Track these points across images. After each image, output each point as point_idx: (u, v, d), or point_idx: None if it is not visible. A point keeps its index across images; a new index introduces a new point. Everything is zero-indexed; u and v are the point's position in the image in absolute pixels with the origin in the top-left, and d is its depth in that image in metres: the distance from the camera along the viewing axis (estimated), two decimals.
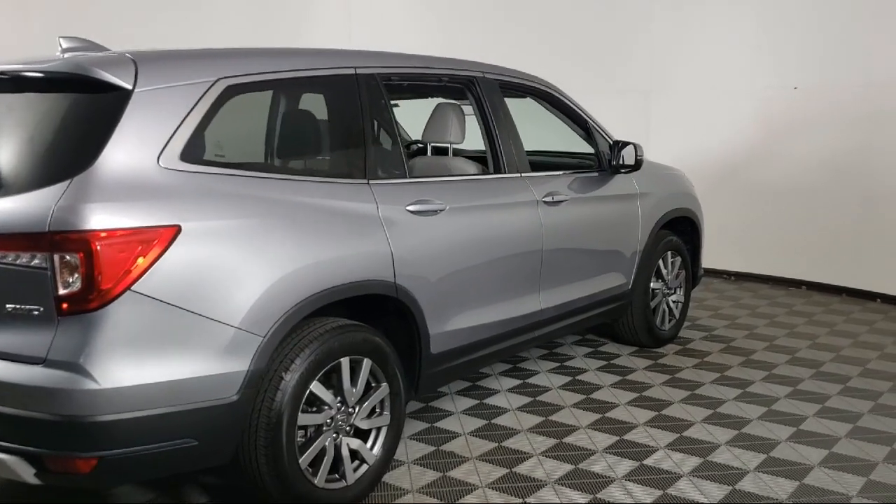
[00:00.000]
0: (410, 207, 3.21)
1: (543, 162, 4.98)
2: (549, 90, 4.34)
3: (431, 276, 3.27)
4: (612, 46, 7.50)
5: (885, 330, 5.57)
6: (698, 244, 5.40)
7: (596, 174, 4.51)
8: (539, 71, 4.47)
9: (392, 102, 3.52)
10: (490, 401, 4.06)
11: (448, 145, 4.10)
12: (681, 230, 5.34)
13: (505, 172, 3.83)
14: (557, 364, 4.73)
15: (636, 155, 4.41)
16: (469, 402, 4.04)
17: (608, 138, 4.58)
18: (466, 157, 4.25)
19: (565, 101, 4.42)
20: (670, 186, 5.09)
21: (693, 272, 5.44)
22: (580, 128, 4.55)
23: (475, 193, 3.60)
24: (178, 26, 7.95)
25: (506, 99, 4.02)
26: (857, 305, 6.26)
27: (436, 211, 3.31)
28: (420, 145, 4.48)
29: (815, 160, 6.60)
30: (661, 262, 4.98)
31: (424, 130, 4.04)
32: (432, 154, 4.28)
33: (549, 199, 3.95)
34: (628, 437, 3.65)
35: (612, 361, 4.81)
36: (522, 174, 3.90)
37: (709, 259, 7.25)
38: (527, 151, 5.27)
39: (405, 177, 3.32)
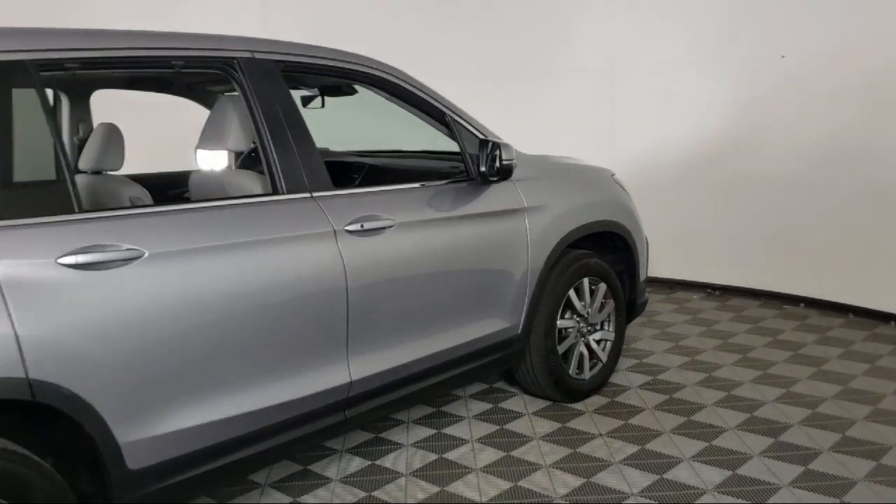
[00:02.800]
0: (65, 259, 2.14)
1: (392, 169, 3.85)
2: (380, 73, 3.19)
3: (111, 360, 2.20)
4: (565, 21, 6.26)
5: None
6: (634, 264, 4.19)
7: (464, 185, 3.36)
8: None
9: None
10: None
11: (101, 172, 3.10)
12: (611, 248, 4.16)
13: (282, 192, 2.73)
14: (432, 431, 3.61)
15: (499, 160, 3.24)
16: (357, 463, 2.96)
17: (483, 136, 3.43)
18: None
19: (410, 87, 3.27)
20: (583, 194, 3.89)
21: (629, 300, 4.24)
22: (439, 123, 3.40)
23: (197, 229, 2.48)
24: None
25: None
26: (864, 330, 4.94)
27: (116, 262, 2.23)
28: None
29: (813, 145, 5.28)
30: (572, 292, 3.80)
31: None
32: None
33: (356, 227, 2.82)
34: None
35: (505, 426, 3.67)
36: (314, 193, 2.79)
37: (688, 270, 6.01)
38: (373, 153, 4.19)
39: (71, 210, 2.25)
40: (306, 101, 3.91)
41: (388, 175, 3.79)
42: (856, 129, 5.06)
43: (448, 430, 3.65)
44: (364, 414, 2.96)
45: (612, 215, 4.00)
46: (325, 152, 4.47)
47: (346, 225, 2.80)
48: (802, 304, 5.51)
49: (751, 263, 5.75)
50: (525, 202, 3.50)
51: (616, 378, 4.22)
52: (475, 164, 3.32)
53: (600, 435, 3.56)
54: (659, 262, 6.14)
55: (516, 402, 3.96)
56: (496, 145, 3.24)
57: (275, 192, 2.73)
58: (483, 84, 6.40)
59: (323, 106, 3.88)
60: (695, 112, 5.81)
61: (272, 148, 2.72)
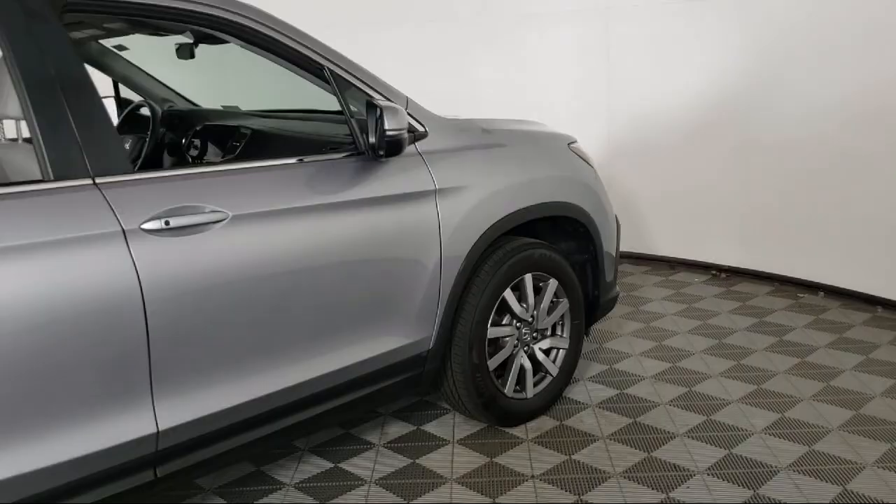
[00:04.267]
0: None
1: (280, 136, 3.10)
2: (221, 14, 2.38)
3: None
4: None
5: None
6: (599, 254, 3.38)
7: (353, 161, 2.58)
8: None
9: None
10: None
11: None
12: (570, 233, 3.36)
13: (49, 178, 1.99)
14: (326, 466, 2.91)
15: (384, 130, 2.44)
16: None
17: (381, 97, 2.64)
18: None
19: (268, 32, 2.46)
20: (524, 170, 3.07)
21: (592, 298, 3.44)
22: (318, 78, 2.61)
23: None
24: None
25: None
26: (893, 331, 4.07)
27: None
28: None
29: (843, 101, 4.34)
30: (510, 293, 3.02)
31: None
32: None
33: (156, 224, 2.07)
34: None
35: (418, 459, 2.95)
36: (98, 179, 2.04)
37: (693, 248, 5.16)
38: (287, 113, 3.42)
39: None
40: (183, 51, 3.15)
41: (274, 144, 3.03)
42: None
43: (346, 465, 2.94)
44: (188, 470, 2.25)
45: (565, 195, 3.18)
46: (226, 113, 3.72)
47: (143, 222, 2.05)
48: (822, 294, 4.63)
49: (764, 242, 4.88)
50: (436, 182, 2.71)
51: (574, 391, 3.45)
52: (364, 134, 2.54)
53: (532, 477, 2.81)
54: (659, 238, 5.30)
55: (444, 423, 3.22)
56: (380, 109, 2.44)
57: (44, 177, 1.99)
58: (451, 31, 5.56)
59: (192, 57, 3.11)
60: (702, 59, 4.88)
61: (34, 117, 1.97)
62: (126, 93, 3.91)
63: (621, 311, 4.48)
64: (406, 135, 2.50)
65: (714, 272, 5.12)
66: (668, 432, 3.09)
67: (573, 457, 2.93)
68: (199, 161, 3.45)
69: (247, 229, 2.25)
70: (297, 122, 3.32)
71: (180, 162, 3.57)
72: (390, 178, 2.61)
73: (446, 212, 2.73)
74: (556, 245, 3.38)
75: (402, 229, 2.63)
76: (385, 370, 2.68)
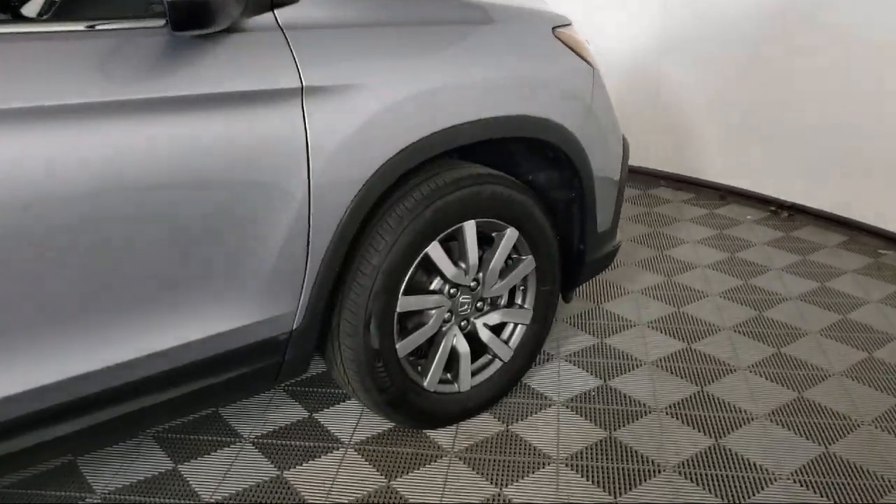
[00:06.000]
0: None
1: None
2: None
3: None
4: None
5: None
6: (587, 193, 2.34)
7: (169, 35, 1.59)
8: None
9: None
10: None
11: None
12: (551, 162, 2.34)
13: None
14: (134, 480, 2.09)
15: None
16: None
17: None
18: None
19: None
20: (466, 63, 2.00)
21: (577, 253, 2.44)
22: None
23: None
24: None
25: None
26: None
27: None
28: None
29: None
30: (436, 247, 2.05)
31: None
32: None
33: None
34: None
35: (285, 473, 2.10)
36: None
37: (752, 177, 4.05)
38: None
39: None
40: None
41: (91, 4, 2.04)
42: None
43: (184, 469, 2.11)
44: None
45: (537, 107, 2.13)
46: None
47: None
48: None
49: (843, 180, 3.72)
50: (304, 75, 1.71)
51: (538, 377, 2.52)
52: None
53: None
54: (710, 158, 4.19)
55: (346, 412, 2.35)
56: None
57: None
58: None
59: None
60: None
61: None
62: None
63: (640, 253, 3.46)
64: None
65: (774, 208, 4.00)
66: (658, 464, 2.15)
67: (506, 490, 2.04)
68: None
69: None
70: None
71: None
72: (220, 66, 1.63)
73: (321, 124, 1.74)
74: (533, 176, 2.38)
75: (238, 150, 1.66)
76: (215, 361, 1.78)
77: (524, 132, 2.12)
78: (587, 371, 2.56)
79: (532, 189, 2.29)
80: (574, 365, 2.60)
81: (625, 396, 2.43)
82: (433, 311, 2.13)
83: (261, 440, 2.22)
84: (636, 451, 2.19)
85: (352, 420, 2.31)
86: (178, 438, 2.21)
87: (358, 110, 1.79)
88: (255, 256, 1.75)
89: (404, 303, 2.04)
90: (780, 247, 3.57)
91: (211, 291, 1.73)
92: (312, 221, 1.79)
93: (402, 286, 2.01)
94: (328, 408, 2.37)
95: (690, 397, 2.43)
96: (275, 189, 1.72)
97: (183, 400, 1.79)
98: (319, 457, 2.16)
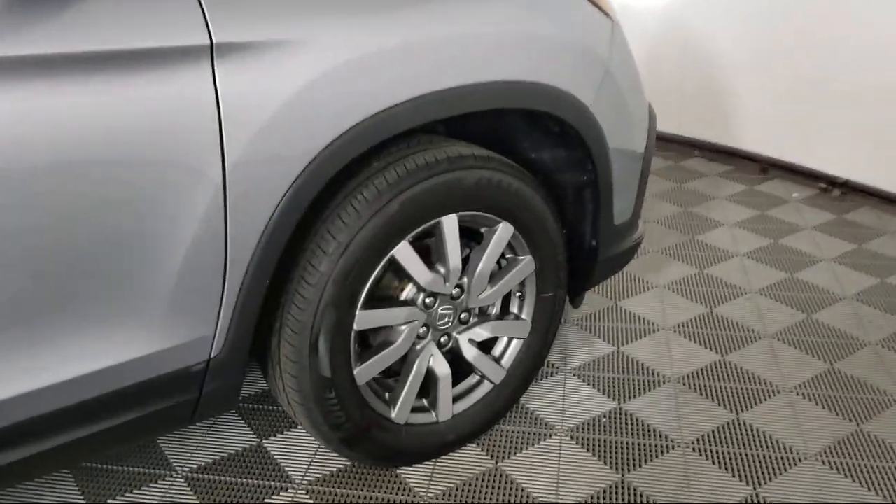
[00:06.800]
0: None
1: None
2: None
3: None
4: None
5: None
6: (602, 177, 1.87)
7: None
8: None
9: None
10: None
11: None
12: (559, 139, 1.87)
13: None
14: None
15: None
16: None
17: None
18: None
19: None
20: (441, 14, 1.54)
21: (589, 249, 1.98)
22: None
23: None
24: None
25: None
26: None
27: None
28: None
29: None
30: (405, 248, 1.61)
31: None
32: None
33: None
34: None
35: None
36: None
37: (800, 147, 3.55)
38: None
39: None
40: None
41: None
42: None
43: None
44: None
45: (537, 71, 1.65)
46: None
47: None
48: None
49: None
50: (213, 29, 1.26)
51: (539, 396, 2.09)
52: None
53: None
54: (751, 126, 3.69)
55: (296, 443, 1.94)
56: None
57: None
58: None
59: None
60: None
61: None
62: None
63: (668, 239, 3.00)
64: None
65: (824, 185, 3.50)
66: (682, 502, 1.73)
67: None
68: None
69: None
70: None
71: None
72: (96, 17, 1.19)
73: (239, 93, 1.30)
74: (537, 155, 1.93)
75: (124, 128, 1.23)
76: (101, 402, 1.37)
77: (519, 103, 1.66)
78: (599, 390, 2.13)
79: (535, 172, 1.84)
80: (583, 381, 2.16)
81: (644, 426, 2.00)
82: (403, 327, 1.70)
83: (195, 475, 1.82)
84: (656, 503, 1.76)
85: (309, 450, 1.90)
86: (101, 469, 1.83)
87: (291, 74, 1.34)
88: (150, 268, 1.32)
89: (364, 318, 1.61)
90: (832, 232, 3.09)
91: (93, 316, 1.31)
92: (230, 219, 1.35)
93: (361, 298, 1.58)
94: (281, 433, 1.96)
95: (724, 426, 1.99)
96: (174, 178, 1.28)
97: (63, 450, 1.39)
98: (264, 499, 1.76)
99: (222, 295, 1.41)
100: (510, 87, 1.61)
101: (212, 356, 1.45)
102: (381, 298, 1.69)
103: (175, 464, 1.85)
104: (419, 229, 1.61)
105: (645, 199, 2.12)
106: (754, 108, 3.66)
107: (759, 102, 3.63)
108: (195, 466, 1.85)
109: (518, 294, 1.89)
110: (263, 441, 1.93)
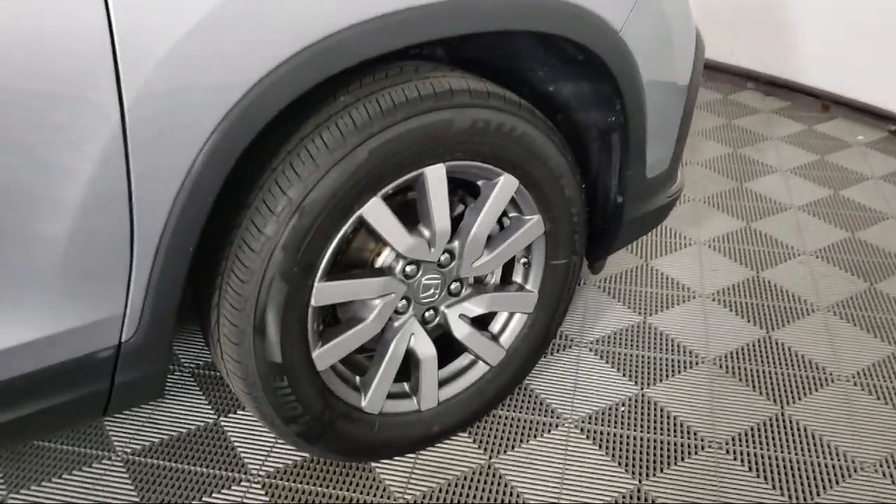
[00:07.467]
0: None
1: None
2: None
3: None
4: None
5: None
6: (632, 117, 1.50)
7: None
8: None
9: None
10: None
11: None
12: (581, 70, 1.50)
13: None
14: None
15: None
16: None
17: None
18: None
19: None
20: None
21: (613, 208, 1.63)
22: None
23: None
24: None
25: None
26: None
27: None
28: None
29: None
30: (378, 203, 1.28)
31: None
32: None
33: None
34: None
35: None
36: None
37: (865, 83, 3.12)
38: None
39: None
40: None
41: None
42: None
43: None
44: None
45: None
46: None
47: None
48: None
49: None
50: None
51: (547, 374, 1.78)
52: None
53: None
54: (811, 59, 3.25)
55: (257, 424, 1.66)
56: None
57: None
58: None
59: None
60: None
61: None
62: None
63: (712, 185, 2.62)
64: None
65: (895, 128, 3.06)
66: None
67: None
68: None
69: None
70: None
71: None
72: None
73: (139, 5, 0.96)
74: (555, 88, 1.57)
75: None
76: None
77: (529, 24, 1.29)
78: (619, 370, 1.81)
79: (553, 109, 1.49)
80: (600, 357, 1.84)
81: (673, 419, 1.68)
82: (377, 301, 1.38)
83: (136, 458, 1.56)
84: None
85: (271, 434, 1.62)
86: (29, 448, 1.57)
87: None
88: (32, 233, 1.02)
89: (324, 292, 1.29)
90: (893, 179, 2.68)
91: None
92: (134, 170, 1.03)
93: (321, 267, 1.26)
94: (242, 409, 1.68)
95: (770, 419, 1.66)
96: (54, 116, 0.96)
97: None
98: (212, 493, 1.49)
99: (131, 266, 1.10)
100: (516, 2, 1.24)
101: (123, 340, 1.16)
102: (354, 265, 1.37)
103: (116, 443, 1.59)
104: (396, 183, 1.28)
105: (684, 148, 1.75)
106: (818, 38, 3.20)
107: (824, 31, 3.16)
108: (138, 447, 1.58)
109: (523, 261, 1.56)
110: (221, 419, 1.66)
